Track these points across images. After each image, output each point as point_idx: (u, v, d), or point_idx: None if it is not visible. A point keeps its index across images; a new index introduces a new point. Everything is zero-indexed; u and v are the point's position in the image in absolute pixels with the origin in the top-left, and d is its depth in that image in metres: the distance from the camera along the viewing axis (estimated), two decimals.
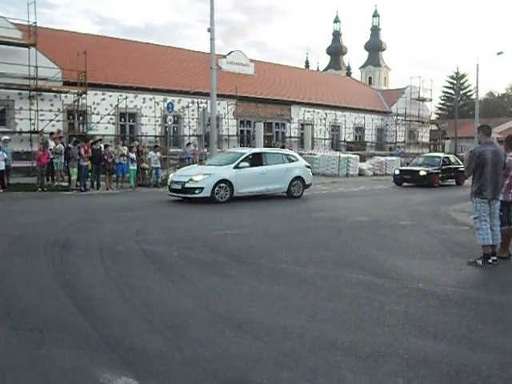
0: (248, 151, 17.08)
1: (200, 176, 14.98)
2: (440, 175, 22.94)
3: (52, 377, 3.64)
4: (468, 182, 21.41)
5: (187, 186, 14.79)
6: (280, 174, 16.33)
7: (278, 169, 16.41)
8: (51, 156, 18.66)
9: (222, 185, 14.91)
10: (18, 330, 4.54)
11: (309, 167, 17.92)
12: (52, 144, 19.39)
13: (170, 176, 16.43)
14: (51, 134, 21.27)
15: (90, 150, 18.71)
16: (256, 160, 16.20)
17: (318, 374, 3.71)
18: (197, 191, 14.67)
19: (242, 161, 15.69)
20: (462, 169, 23.64)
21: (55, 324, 4.68)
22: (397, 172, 23.84)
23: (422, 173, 22.49)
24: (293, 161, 17.17)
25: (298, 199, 16.41)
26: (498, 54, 40.48)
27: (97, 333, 4.46)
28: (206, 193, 14.60)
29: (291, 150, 30.74)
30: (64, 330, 4.54)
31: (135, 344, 4.21)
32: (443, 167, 23.33)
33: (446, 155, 26.27)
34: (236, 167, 15.46)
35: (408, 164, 25.17)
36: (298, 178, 16.86)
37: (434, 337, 4.47)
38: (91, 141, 20.09)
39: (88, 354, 4.00)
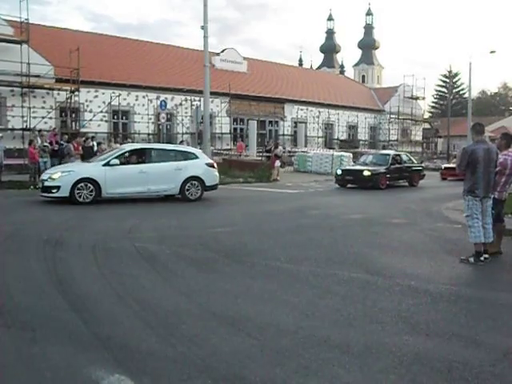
0: (127, 147, 15.52)
1: (58, 173, 13.54)
2: (388, 175, 20.43)
3: (45, 375, 3.63)
4: (423, 183, 21.72)
5: (46, 184, 13.41)
6: (168, 173, 14.33)
7: (164, 167, 14.43)
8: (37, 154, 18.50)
9: (85, 184, 13.26)
10: (10, 327, 4.52)
11: (212, 166, 15.43)
12: (39, 142, 19.26)
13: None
14: (39, 131, 21.16)
15: (80, 148, 18.65)
16: (138, 157, 14.53)
17: (310, 370, 3.73)
18: (54, 190, 13.23)
19: (116, 157, 13.98)
20: (417, 168, 22.63)
21: (48, 322, 4.67)
22: (339, 172, 20.87)
23: (366, 173, 19.78)
24: (190, 158, 14.99)
25: (292, 197, 16.38)
26: (491, 52, 40.68)
27: (90, 330, 4.45)
28: (64, 192, 13.08)
29: (284, 148, 30.94)
30: (57, 327, 4.53)
31: (128, 341, 4.21)
32: (392, 167, 20.84)
33: (398, 153, 23.90)
34: (106, 164, 13.71)
35: (355, 162, 22.71)
36: (195, 178, 14.69)
37: (426, 334, 4.50)
38: (83, 138, 20.03)
39: (81, 352, 4.00)
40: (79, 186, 13.18)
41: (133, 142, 23.96)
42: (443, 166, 29.06)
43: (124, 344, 4.16)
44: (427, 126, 54.27)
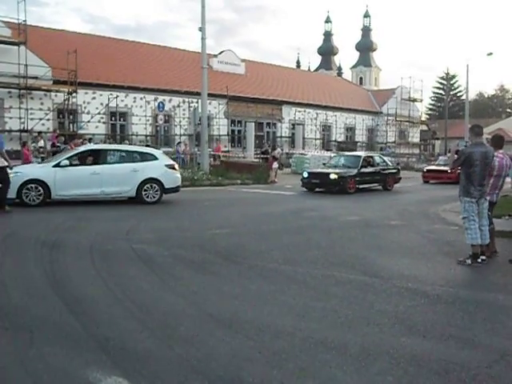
0: (83, 147, 15.15)
1: None
2: (357, 179, 18.98)
3: (42, 376, 3.63)
4: (398, 186, 20.78)
5: None
6: (124, 174, 13.75)
7: (119, 168, 13.89)
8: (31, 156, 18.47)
9: (33, 185, 12.72)
10: (7, 329, 4.51)
11: (173, 168, 14.85)
12: (42, 143, 19.28)
13: None
14: (39, 133, 21.14)
15: None
16: (94, 158, 14.01)
17: (308, 372, 3.73)
18: None
19: (67, 158, 13.46)
20: (391, 171, 20.94)
21: (45, 324, 4.66)
22: (305, 175, 19.33)
23: (333, 176, 18.36)
24: (149, 160, 14.35)
25: (289, 199, 16.39)
26: (488, 55, 40.83)
27: (87, 332, 4.45)
28: (11, 194, 12.30)
29: (282, 149, 30.97)
30: (54, 329, 4.53)
31: (125, 343, 4.21)
32: (363, 169, 19.42)
33: (370, 154, 22.31)
34: (56, 166, 13.22)
35: (324, 165, 21.49)
36: (153, 180, 14.07)
37: (423, 335, 4.50)
38: (81, 140, 20.01)
39: (78, 354, 3.99)
40: (27, 187, 12.70)
41: (130, 144, 23.99)
42: (425, 168, 27.61)
43: (121, 346, 4.16)
44: (425, 127, 54.47)
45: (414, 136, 49.48)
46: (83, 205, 13.30)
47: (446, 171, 23.09)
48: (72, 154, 13.97)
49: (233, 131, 35.30)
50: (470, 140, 7.74)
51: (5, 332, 4.46)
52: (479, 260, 7.28)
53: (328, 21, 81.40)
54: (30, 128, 23.70)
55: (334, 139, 42.40)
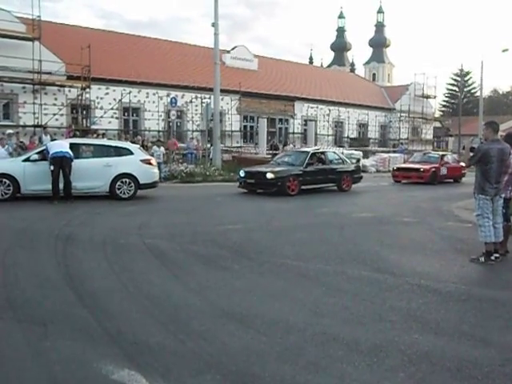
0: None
1: None
2: (301, 178, 16.50)
3: (55, 368, 3.66)
4: (355, 187, 18.55)
5: None
6: (96, 169, 13.40)
7: (91, 163, 13.53)
8: None
9: (1, 180, 12.58)
10: (21, 322, 4.56)
11: (149, 163, 14.41)
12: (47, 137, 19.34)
13: None
14: (44, 127, 21.27)
15: None
16: None
17: (319, 368, 3.73)
18: None
19: (37, 153, 13.25)
20: (348, 169, 18.35)
21: (58, 316, 4.71)
22: (241, 174, 17.02)
23: (269, 176, 15.95)
24: (123, 155, 13.96)
25: (301, 194, 16.35)
26: (503, 51, 40.38)
27: (100, 325, 4.48)
28: None
29: (294, 145, 30.91)
30: (67, 322, 4.57)
31: (138, 337, 4.23)
32: (310, 168, 16.95)
33: (322, 151, 19.14)
34: (26, 160, 13.06)
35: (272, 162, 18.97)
36: (127, 175, 13.70)
37: (435, 333, 4.48)
38: (95, 135, 20.12)
39: (91, 347, 4.03)
40: None
41: (143, 139, 24.07)
42: (395, 166, 25.51)
43: (134, 339, 4.18)
44: (438, 124, 53.98)
45: (427, 133, 49.07)
46: (95, 199, 13.38)
47: (418, 169, 22.35)
48: (43, 148, 13.47)
49: (245, 127, 35.23)
50: (484, 137, 7.66)
51: (19, 325, 4.51)
52: (492, 258, 7.22)
53: (341, 16, 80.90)
54: (44, 123, 23.84)
55: (346, 135, 42.21)
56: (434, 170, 22.55)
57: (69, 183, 12.79)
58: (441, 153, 26.89)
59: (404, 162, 26.39)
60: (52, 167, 12.60)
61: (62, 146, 13.14)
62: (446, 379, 3.62)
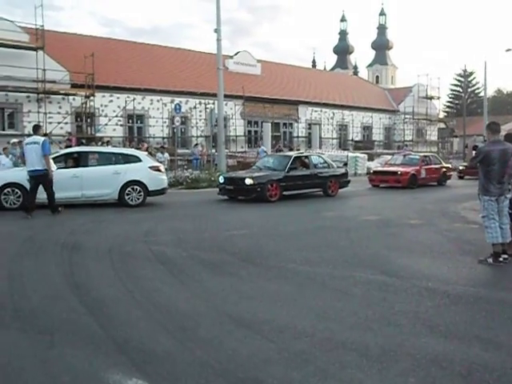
0: (63, 150, 14.96)
1: None
2: (283, 184, 15.75)
3: (62, 378, 3.64)
4: (342, 192, 17.95)
5: None
6: (105, 177, 13.42)
7: (100, 171, 13.56)
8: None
9: (12, 189, 12.63)
10: (27, 331, 4.55)
11: (158, 170, 14.43)
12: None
13: None
14: (46, 135, 21.22)
15: None
16: (75, 161, 13.81)
17: (328, 374, 3.69)
18: None
19: None
20: (334, 174, 17.58)
21: (65, 325, 4.69)
22: (221, 180, 16.36)
23: (248, 181, 15.23)
24: (132, 162, 13.98)
25: (306, 198, 16.32)
26: (507, 51, 40.31)
27: (107, 334, 4.46)
28: None
29: (298, 149, 30.89)
30: (74, 331, 4.55)
31: (145, 345, 4.21)
32: (292, 172, 16.20)
33: (306, 155, 18.58)
34: None
35: (255, 167, 18.01)
36: (136, 182, 13.73)
37: (445, 336, 4.43)
38: (100, 143, 20.17)
39: (98, 356, 4.00)
40: (5, 191, 12.60)
41: (148, 146, 24.13)
42: (373, 169, 23.81)
43: (141, 347, 4.16)
44: (442, 125, 53.85)
45: (432, 134, 49.00)
46: (101, 207, 13.40)
47: (396, 173, 20.71)
48: (52, 156, 12.98)
49: (249, 132, 35.30)
50: (487, 137, 7.61)
51: (25, 334, 4.49)
52: (501, 259, 7.16)
53: (343, 20, 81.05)
54: (48, 132, 23.94)
55: (350, 138, 42.20)
56: (413, 173, 20.87)
57: (49, 195, 12.05)
58: (422, 154, 25.30)
59: (384, 165, 24.50)
60: (28, 182, 12.10)
61: (32, 163, 11.90)
62: (456, 383, 3.57)
